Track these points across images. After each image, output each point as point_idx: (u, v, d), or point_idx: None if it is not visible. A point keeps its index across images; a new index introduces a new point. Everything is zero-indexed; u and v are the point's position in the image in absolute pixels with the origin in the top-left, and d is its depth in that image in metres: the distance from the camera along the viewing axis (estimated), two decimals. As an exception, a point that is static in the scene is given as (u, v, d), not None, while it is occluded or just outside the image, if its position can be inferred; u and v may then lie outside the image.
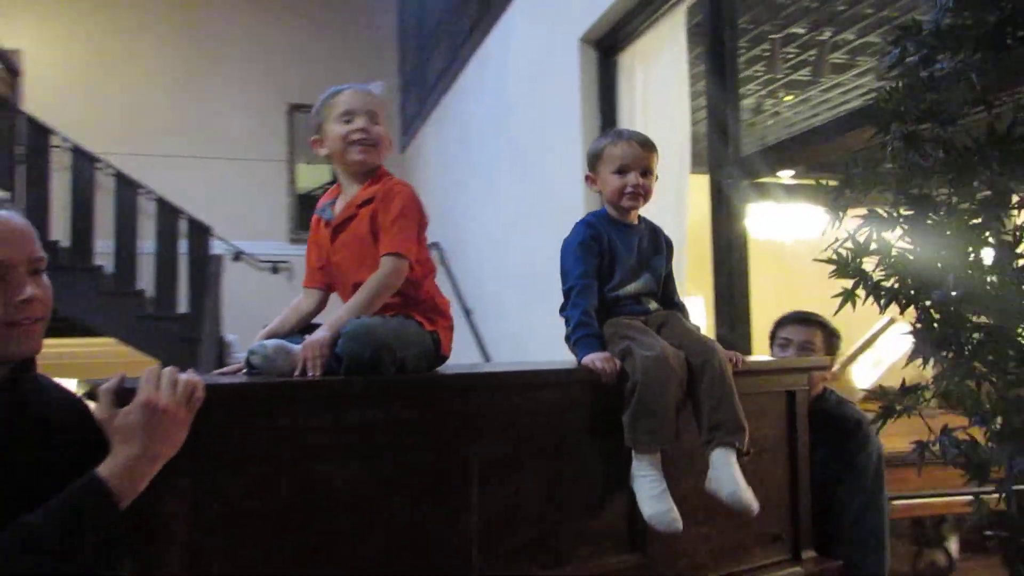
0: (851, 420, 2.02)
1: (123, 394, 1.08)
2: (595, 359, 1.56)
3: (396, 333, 1.39)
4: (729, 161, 2.99)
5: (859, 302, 1.36)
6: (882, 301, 1.32)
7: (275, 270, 7.55)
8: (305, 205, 7.94)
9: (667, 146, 3.28)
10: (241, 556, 1.15)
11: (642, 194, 1.76)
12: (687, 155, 3.26)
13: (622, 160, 1.75)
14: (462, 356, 5.29)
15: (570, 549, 1.48)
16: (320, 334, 1.35)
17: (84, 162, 5.56)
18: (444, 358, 1.54)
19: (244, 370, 1.41)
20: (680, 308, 1.82)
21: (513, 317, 4.75)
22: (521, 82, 4.67)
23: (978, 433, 1.26)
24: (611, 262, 1.74)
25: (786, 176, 5.16)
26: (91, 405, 1.17)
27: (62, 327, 5.51)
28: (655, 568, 1.57)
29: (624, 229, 1.79)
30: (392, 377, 1.33)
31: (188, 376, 1.11)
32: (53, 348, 5.80)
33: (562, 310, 1.75)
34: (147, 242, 5.72)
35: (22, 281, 1.10)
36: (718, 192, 3.00)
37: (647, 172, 1.76)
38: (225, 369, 1.53)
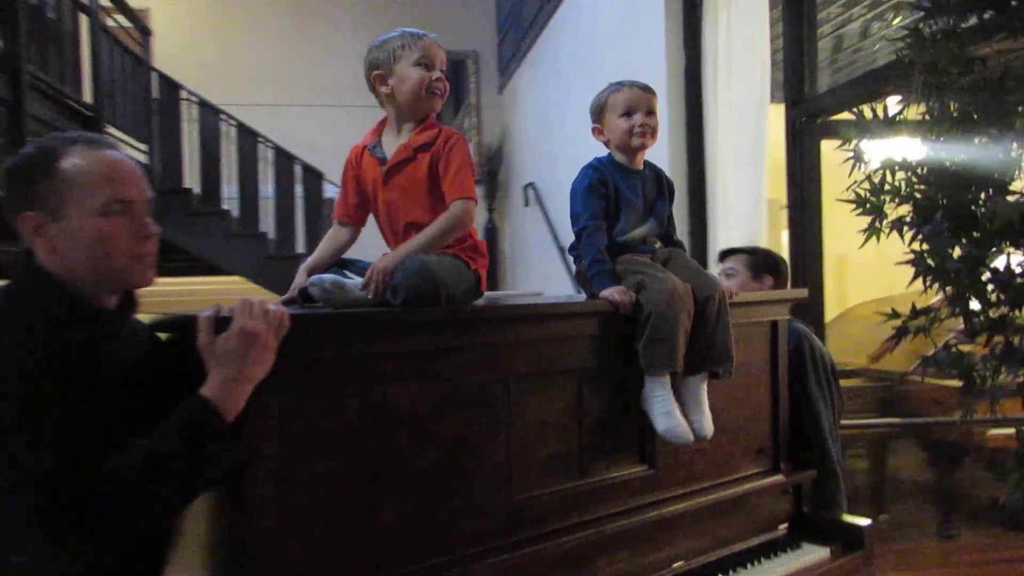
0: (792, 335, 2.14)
1: (220, 323, 1.18)
2: (613, 292, 1.69)
3: (449, 271, 1.50)
4: (805, 97, 3.05)
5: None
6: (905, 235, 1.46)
7: (383, 211, 7.93)
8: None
9: (747, 84, 3.37)
10: (320, 468, 1.29)
11: (649, 132, 1.85)
12: (767, 92, 3.33)
13: (627, 104, 1.85)
14: (557, 289, 5.53)
15: (590, 462, 1.67)
16: (386, 263, 1.48)
17: (209, 114, 6.05)
18: (481, 293, 1.68)
19: (299, 301, 1.57)
20: (679, 246, 1.95)
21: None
22: (611, 21, 4.75)
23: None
24: (617, 207, 1.84)
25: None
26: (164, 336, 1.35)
27: (196, 267, 6.13)
28: (661, 479, 1.78)
29: (629, 175, 1.88)
30: (446, 309, 1.47)
31: (275, 307, 1.20)
32: (187, 285, 6.44)
33: (572, 249, 1.90)
34: (267, 187, 6.22)
35: (146, 218, 1.22)
36: (793, 128, 3.07)
37: (651, 112, 1.86)
38: (280, 299, 1.60)
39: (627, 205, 1.85)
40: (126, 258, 1.19)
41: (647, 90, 1.89)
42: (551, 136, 6.30)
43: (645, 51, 4.07)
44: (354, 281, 1.50)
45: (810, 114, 3.01)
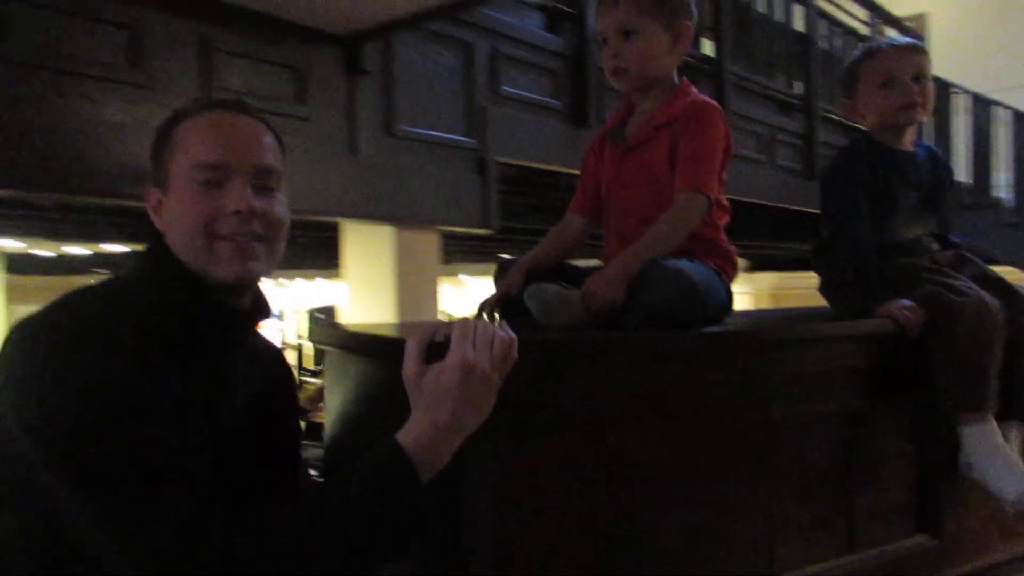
0: None
1: (433, 350, 0.92)
2: (899, 308, 1.32)
3: (708, 282, 1.22)
4: None
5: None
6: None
7: None
8: None
9: None
10: (547, 538, 1.01)
11: (920, 103, 1.48)
12: None
13: (886, 71, 1.49)
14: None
15: (860, 529, 1.33)
16: (610, 273, 1.19)
17: (981, 106, 6.11)
18: (731, 313, 1.36)
19: (498, 311, 1.29)
20: (959, 247, 1.55)
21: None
22: None
23: None
24: (884, 199, 1.47)
25: None
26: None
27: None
28: (946, 552, 1.40)
29: (898, 158, 1.51)
30: (701, 334, 1.17)
31: (503, 333, 0.93)
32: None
33: (818, 254, 1.54)
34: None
35: (240, 189, 0.95)
36: None
37: (919, 77, 1.48)
38: (482, 308, 1.33)
39: (895, 197, 1.48)
40: (203, 237, 0.94)
41: (913, 49, 1.51)
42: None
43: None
44: (575, 293, 1.20)
45: None
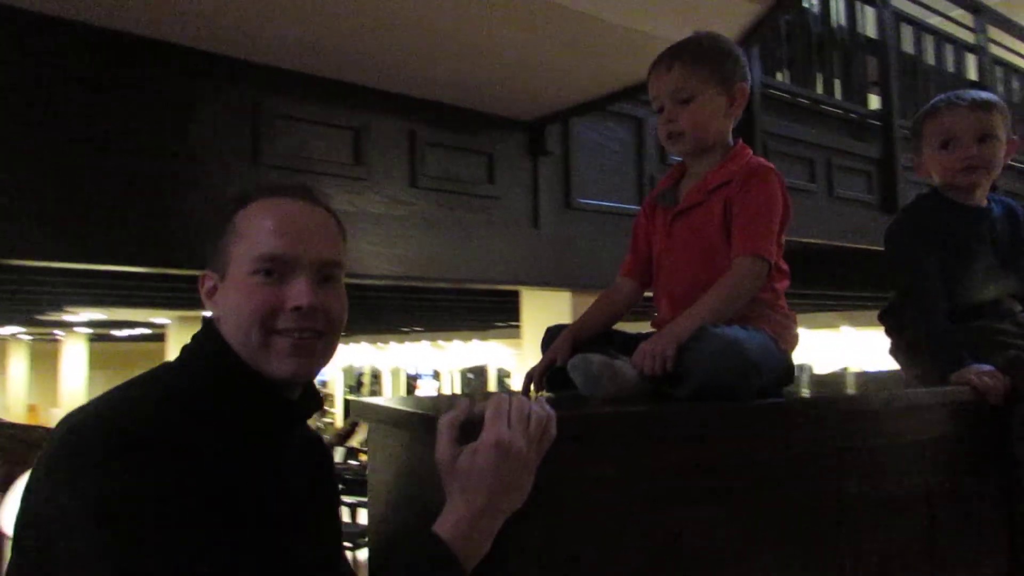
0: None
1: (467, 428, 0.87)
2: (978, 375, 1.26)
3: (763, 351, 1.15)
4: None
5: None
6: None
7: None
8: None
9: None
10: None
11: (981, 165, 1.41)
12: None
13: (946, 130, 1.43)
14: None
15: None
16: (666, 339, 1.13)
17: None
18: (792, 383, 1.28)
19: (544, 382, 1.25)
20: None
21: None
22: None
23: None
24: (956, 257, 1.40)
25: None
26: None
27: None
28: None
29: (969, 214, 1.44)
30: (758, 407, 1.11)
31: (539, 409, 0.89)
32: None
33: (887, 315, 1.48)
34: None
35: (302, 284, 0.91)
36: None
37: (986, 137, 1.41)
38: (529, 379, 1.29)
39: (970, 256, 1.40)
40: (260, 330, 0.90)
41: (980, 106, 1.42)
42: None
43: None
44: (623, 362, 1.15)
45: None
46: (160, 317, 9.73)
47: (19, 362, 15.06)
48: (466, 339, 14.28)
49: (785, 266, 1.30)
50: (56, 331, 12.90)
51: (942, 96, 1.48)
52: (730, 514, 1.05)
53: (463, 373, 15.26)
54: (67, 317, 9.84)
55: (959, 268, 1.39)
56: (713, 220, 1.25)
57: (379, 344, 16.49)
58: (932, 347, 1.34)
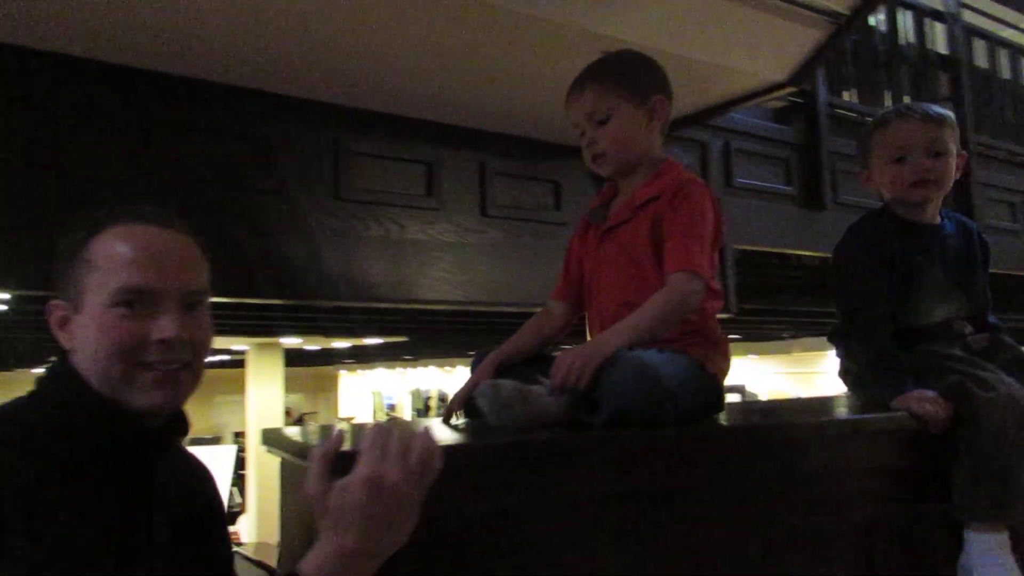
0: None
1: (342, 461, 0.79)
2: (919, 401, 1.21)
3: (683, 376, 1.09)
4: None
5: None
6: None
7: None
8: None
9: None
10: None
11: (933, 180, 1.36)
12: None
13: (899, 143, 1.37)
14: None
15: None
16: (583, 355, 1.05)
17: None
18: (721, 408, 1.22)
19: (461, 414, 1.18)
20: (999, 330, 1.42)
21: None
22: None
23: None
24: (906, 278, 1.35)
25: None
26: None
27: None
28: None
29: (920, 232, 1.39)
30: (676, 432, 1.03)
31: (424, 440, 0.81)
32: None
33: (836, 337, 1.42)
34: None
35: (168, 316, 0.88)
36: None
37: (939, 153, 1.36)
38: (451, 405, 1.21)
39: (920, 274, 1.35)
40: (123, 366, 0.86)
41: (932, 121, 1.37)
42: None
43: None
44: (541, 388, 1.08)
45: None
46: (240, 344, 10.11)
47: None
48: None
49: (717, 287, 1.24)
50: (142, 358, 13.49)
51: (891, 108, 1.44)
52: (648, 552, 0.96)
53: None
54: (153, 345, 10.29)
55: (907, 288, 1.34)
56: (640, 237, 1.21)
57: (446, 368, 16.69)
58: (874, 371, 1.29)
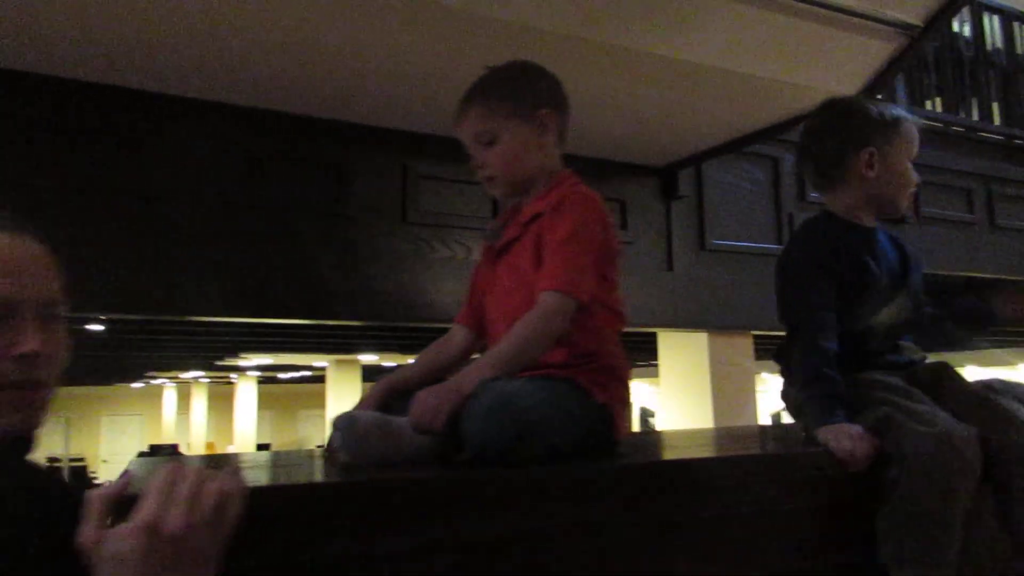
0: None
1: (124, 505, 0.69)
2: (838, 435, 1.08)
3: (549, 409, 0.98)
4: None
5: None
6: None
7: None
8: None
9: None
10: None
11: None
12: None
13: (914, 145, 1.33)
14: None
15: None
16: (441, 392, 0.98)
17: None
18: (614, 444, 1.10)
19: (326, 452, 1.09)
20: (938, 318, 1.37)
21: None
22: None
23: None
24: (856, 284, 1.25)
25: None
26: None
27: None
28: None
29: (865, 232, 1.31)
30: (547, 471, 0.90)
31: (221, 482, 0.70)
32: None
33: (780, 356, 1.30)
34: None
35: (24, 329, 0.80)
36: None
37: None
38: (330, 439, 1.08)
39: (867, 274, 1.26)
40: None
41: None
42: None
43: None
44: (403, 421, 1.00)
45: None
46: (320, 361, 10.43)
47: (199, 403, 16.49)
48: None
49: (619, 306, 1.17)
50: (231, 375, 14.08)
51: (892, 108, 1.34)
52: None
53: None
54: (241, 362, 10.75)
55: (855, 287, 1.24)
56: (526, 257, 1.14)
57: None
58: (808, 395, 1.17)
